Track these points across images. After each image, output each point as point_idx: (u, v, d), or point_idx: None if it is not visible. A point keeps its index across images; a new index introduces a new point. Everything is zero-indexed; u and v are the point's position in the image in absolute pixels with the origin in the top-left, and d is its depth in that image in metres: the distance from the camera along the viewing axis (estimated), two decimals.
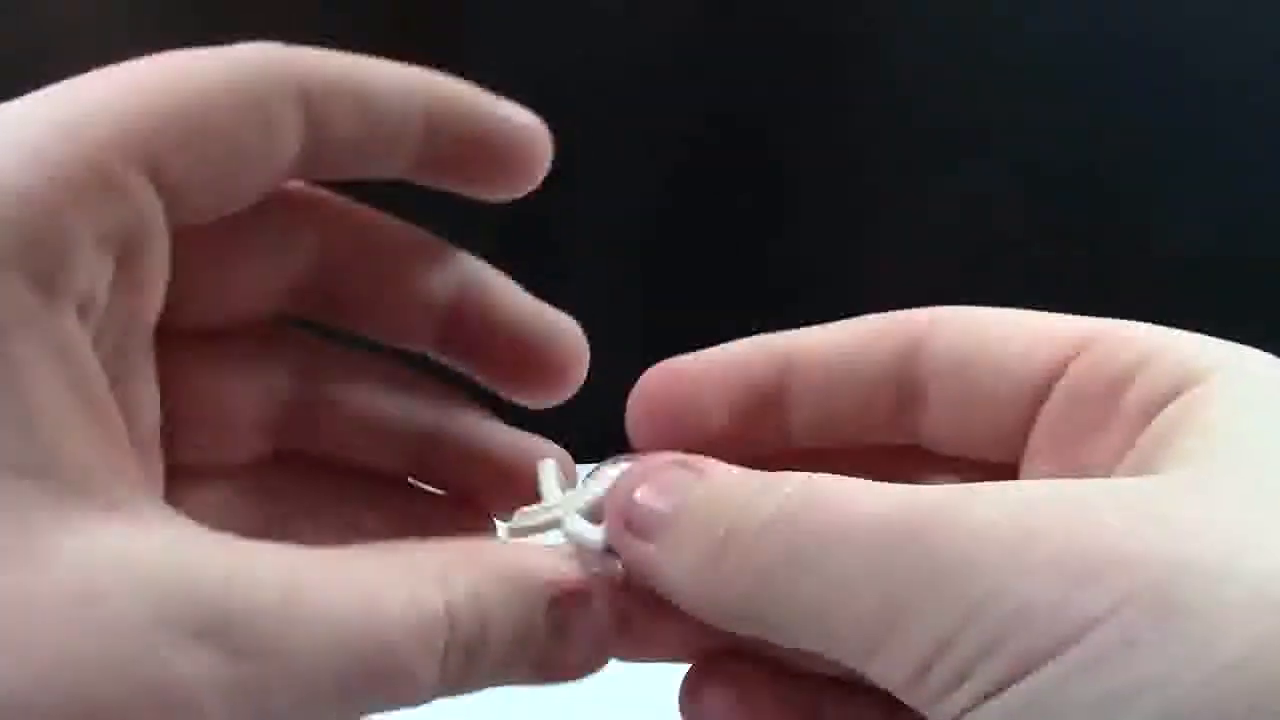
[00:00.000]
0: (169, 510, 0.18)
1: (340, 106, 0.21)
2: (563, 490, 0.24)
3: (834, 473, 0.24)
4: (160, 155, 0.19)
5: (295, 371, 0.24)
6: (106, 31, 0.61)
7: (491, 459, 0.26)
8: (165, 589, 0.16)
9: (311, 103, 0.21)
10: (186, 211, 0.20)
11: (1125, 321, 0.22)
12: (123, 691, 0.15)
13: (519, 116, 0.24)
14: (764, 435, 0.24)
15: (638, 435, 0.24)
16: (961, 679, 0.16)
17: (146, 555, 0.16)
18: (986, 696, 0.16)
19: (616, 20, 0.60)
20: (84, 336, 0.17)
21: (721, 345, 0.24)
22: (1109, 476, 0.20)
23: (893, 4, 0.61)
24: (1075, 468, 0.21)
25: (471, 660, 0.19)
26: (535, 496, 0.24)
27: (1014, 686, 0.16)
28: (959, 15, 0.60)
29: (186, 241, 0.21)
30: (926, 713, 0.18)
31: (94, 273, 0.18)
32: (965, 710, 0.17)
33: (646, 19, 0.60)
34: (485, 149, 0.23)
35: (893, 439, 0.24)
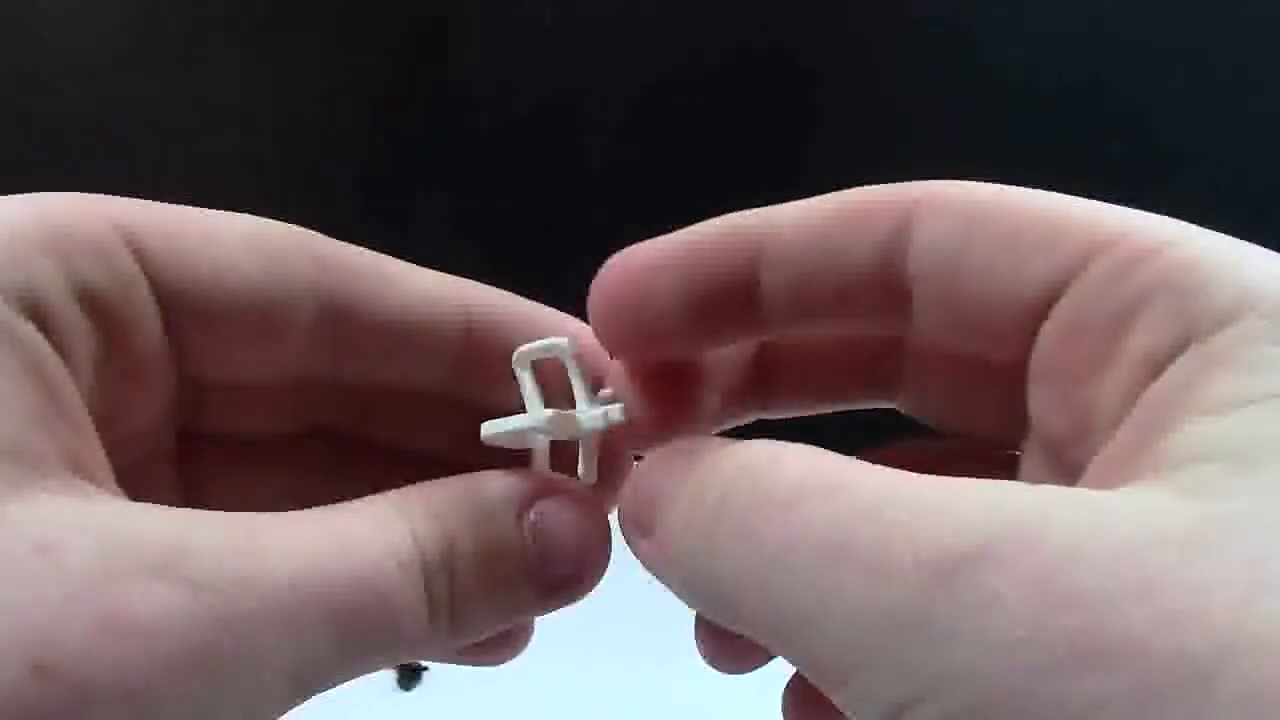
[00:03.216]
0: (126, 497, 0.19)
1: (362, 288, 0.22)
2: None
3: (817, 368, 0.23)
4: (145, 239, 0.20)
5: (325, 353, 0.24)
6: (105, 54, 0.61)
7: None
8: (116, 535, 0.17)
9: (330, 272, 0.22)
10: (195, 341, 0.21)
11: (1145, 222, 0.18)
12: (81, 626, 0.15)
13: (569, 327, 0.24)
14: (735, 328, 0.22)
15: (600, 338, 0.22)
16: None
17: (98, 515, 0.17)
18: None
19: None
20: (55, 356, 0.18)
21: (687, 229, 0.22)
22: (1112, 429, 0.18)
23: None
24: (1078, 407, 0.19)
25: (458, 582, 0.19)
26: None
27: None
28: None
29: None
30: None
31: (69, 318, 0.19)
32: None
33: None
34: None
35: (882, 331, 0.22)
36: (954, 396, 0.23)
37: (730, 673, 0.23)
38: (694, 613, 0.23)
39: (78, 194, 0.20)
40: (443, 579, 0.19)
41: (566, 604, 0.21)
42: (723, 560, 0.17)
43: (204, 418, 0.23)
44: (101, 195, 0.21)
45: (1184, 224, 0.18)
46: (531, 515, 0.21)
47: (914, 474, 0.16)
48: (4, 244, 0.18)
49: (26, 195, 0.20)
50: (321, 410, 0.24)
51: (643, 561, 0.20)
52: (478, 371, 0.23)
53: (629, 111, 0.64)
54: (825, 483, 0.17)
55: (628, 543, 0.21)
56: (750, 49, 0.63)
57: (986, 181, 0.20)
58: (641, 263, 0.21)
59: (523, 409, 0.22)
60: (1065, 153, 0.62)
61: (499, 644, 0.24)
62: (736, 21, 0.63)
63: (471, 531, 0.20)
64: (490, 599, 0.20)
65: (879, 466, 0.17)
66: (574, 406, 0.22)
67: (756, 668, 0.23)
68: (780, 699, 0.24)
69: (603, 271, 0.22)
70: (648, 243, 0.22)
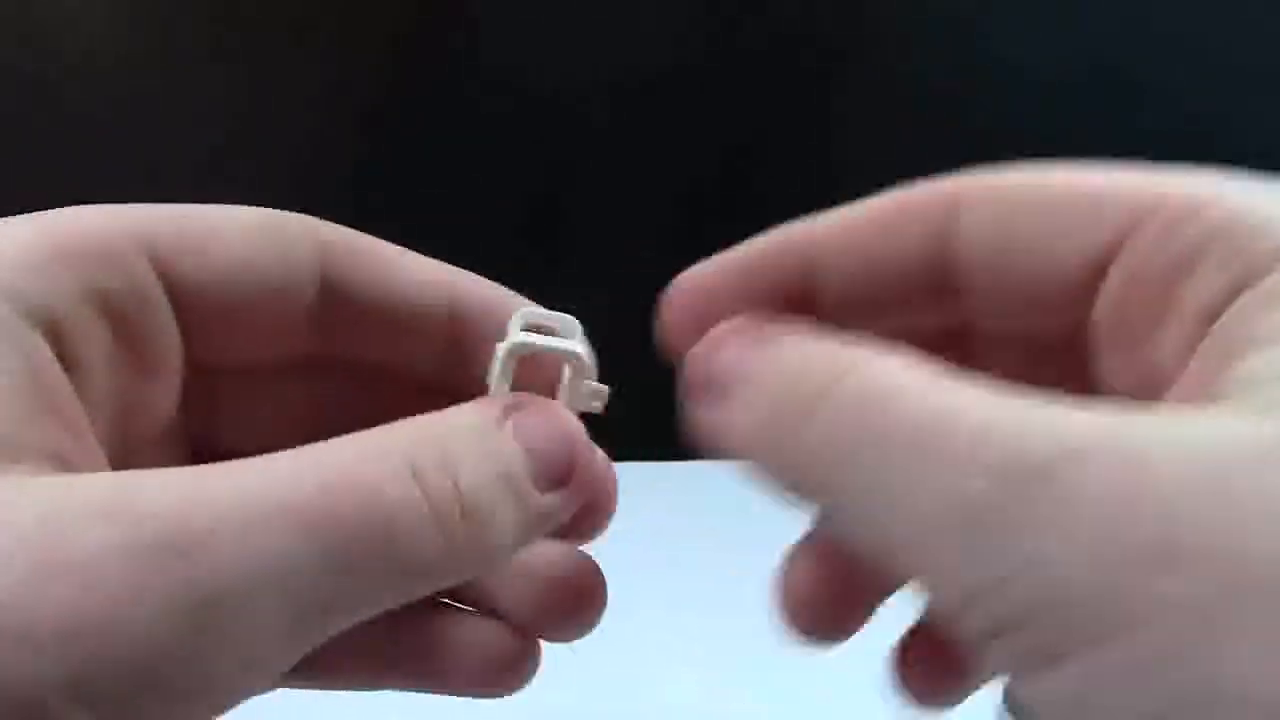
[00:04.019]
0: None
1: (360, 270, 0.23)
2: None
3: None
4: (160, 241, 0.21)
5: (325, 335, 0.24)
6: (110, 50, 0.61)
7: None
8: (65, 494, 0.17)
9: (330, 255, 0.23)
10: (208, 331, 0.22)
11: (1194, 181, 0.19)
12: (19, 572, 0.15)
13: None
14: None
15: (675, 357, 0.23)
16: (994, 634, 0.16)
17: (53, 482, 0.17)
18: (1013, 666, 0.16)
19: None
20: (52, 358, 0.19)
21: (741, 246, 0.23)
22: (1173, 384, 0.18)
23: None
24: (1142, 365, 0.19)
25: (460, 479, 0.19)
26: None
27: (1043, 672, 0.15)
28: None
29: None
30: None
31: (81, 322, 0.19)
32: (994, 669, 0.16)
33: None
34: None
35: (941, 322, 0.22)
36: (1016, 381, 0.23)
37: (815, 640, 0.22)
38: (770, 587, 0.22)
39: (87, 206, 0.21)
40: (440, 475, 0.18)
41: (574, 504, 0.21)
42: (823, 438, 0.18)
43: (215, 406, 0.24)
44: (111, 205, 0.21)
45: (1222, 180, 0.19)
46: (509, 423, 0.20)
47: (1009, 391, 0.17)
48: (16, 251, 0.19)
49: (38, 213, 0.20)
50: (326, 401, 0.24)
51: (704, 423, 0.20)
52: (462, 358, 0.24)
53: (629, 109, 0.64)
54: (930, 380, 0.17)
55: (688, 407, 0.21)
56: (751, 48, 0.63)
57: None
58: (703, 282, 0.22)
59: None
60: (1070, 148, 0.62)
61: (505, 672, 0.25)
62: (736, 20, 0.63)
63: (459, 437, 0.19)
64: (498, 493, 0.19)
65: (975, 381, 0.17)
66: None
67: (842, 639, 0.23)
68: (888, 656, 0.23)
69: (669, 292, 0.23)
70: (707, 262, 0.23)
